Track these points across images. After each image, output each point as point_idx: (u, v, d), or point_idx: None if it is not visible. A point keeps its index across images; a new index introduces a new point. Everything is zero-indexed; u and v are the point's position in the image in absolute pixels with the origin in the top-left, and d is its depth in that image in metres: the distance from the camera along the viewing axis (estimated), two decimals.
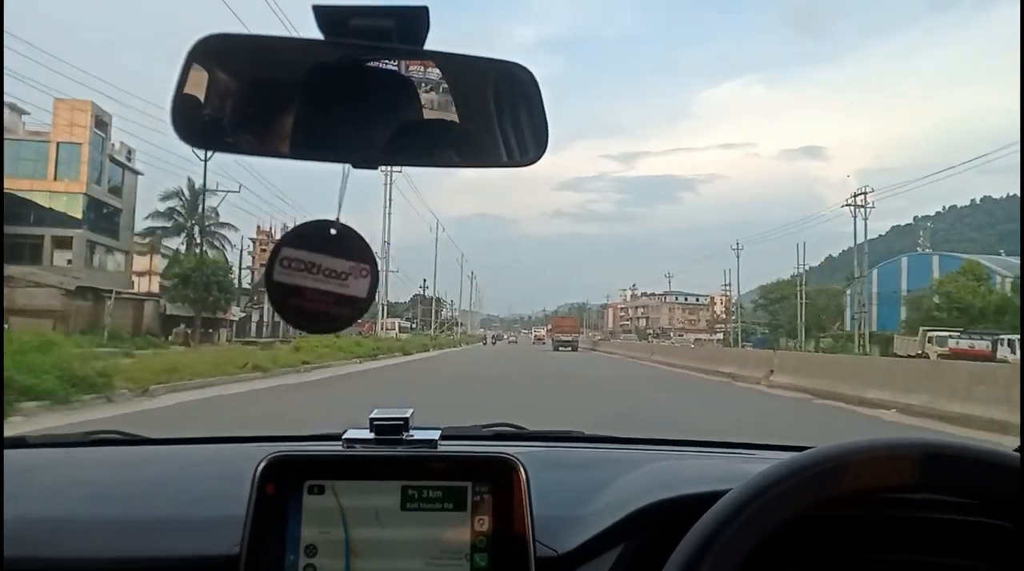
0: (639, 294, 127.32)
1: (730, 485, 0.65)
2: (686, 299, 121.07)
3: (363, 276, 0.71)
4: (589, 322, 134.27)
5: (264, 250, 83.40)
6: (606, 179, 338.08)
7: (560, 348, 48.90)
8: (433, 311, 75.71)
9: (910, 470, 0.62)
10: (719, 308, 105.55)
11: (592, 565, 0.83)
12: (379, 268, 0.74)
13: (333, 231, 0.71)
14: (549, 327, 76.85)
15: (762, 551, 0.61)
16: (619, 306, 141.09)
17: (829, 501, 0.62)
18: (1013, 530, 0.77)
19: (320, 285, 0.70)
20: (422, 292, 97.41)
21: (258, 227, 72.72)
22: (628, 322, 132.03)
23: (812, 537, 0.82)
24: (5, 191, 28.47)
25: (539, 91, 0.69)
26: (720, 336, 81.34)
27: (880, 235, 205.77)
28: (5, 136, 30.74)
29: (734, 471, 0.91)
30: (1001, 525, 0.80)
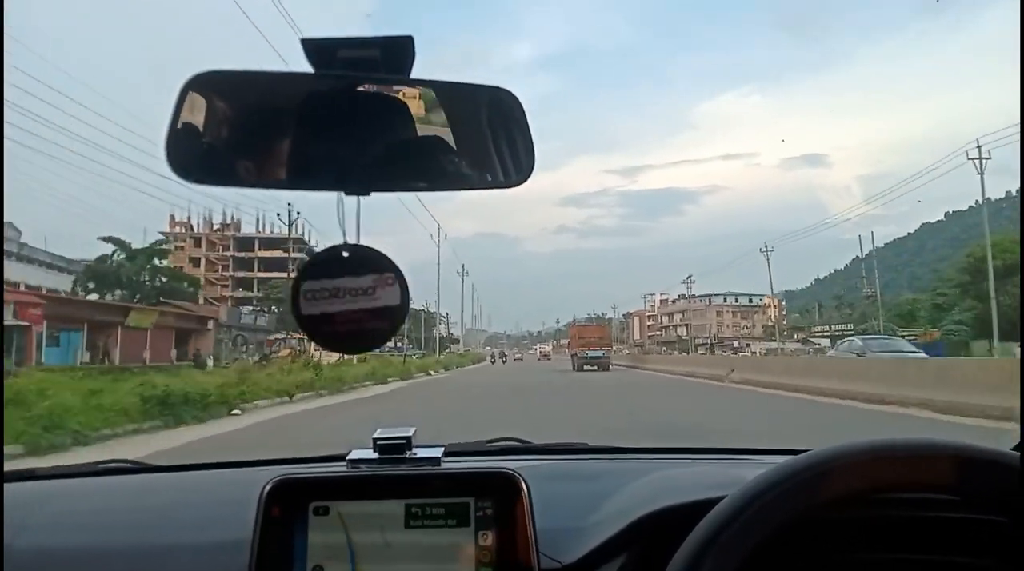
0: (684, 297, 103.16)
1: (728, 491, 0.66)
2: (736, 300, 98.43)
3: (390, 284, 0.71)
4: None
5: (182, 248, 63.29)
6: (609, 194, 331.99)
7: (585, 367, 35.86)
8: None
9: (904, 470, 0.63)
10: (772, 312, 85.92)
11: None
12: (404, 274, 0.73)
13: (346, 254, 0.71)
14: (566, 341, 60.33)
15: (760, 555, 0.62)
16: (646, 314, 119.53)
17: (825, 503, 0.62)
18: (1009, 526, 0.77)
19: (351, 306, 0.70)
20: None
21: (172, 217, 63.87)
22: (660, 332, 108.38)
23: (810, 540, 0.82)
24: None
25: (524, 113, 0.71)
26: (819, 344, 60.83)
27: (908, 233, 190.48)
28: None
29: (732, 477, 0.91)
30: (997, 521, 0.79)
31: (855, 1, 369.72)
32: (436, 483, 0.81)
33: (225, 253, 67.16)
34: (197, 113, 0.66)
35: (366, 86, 0.68)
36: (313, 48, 0.64)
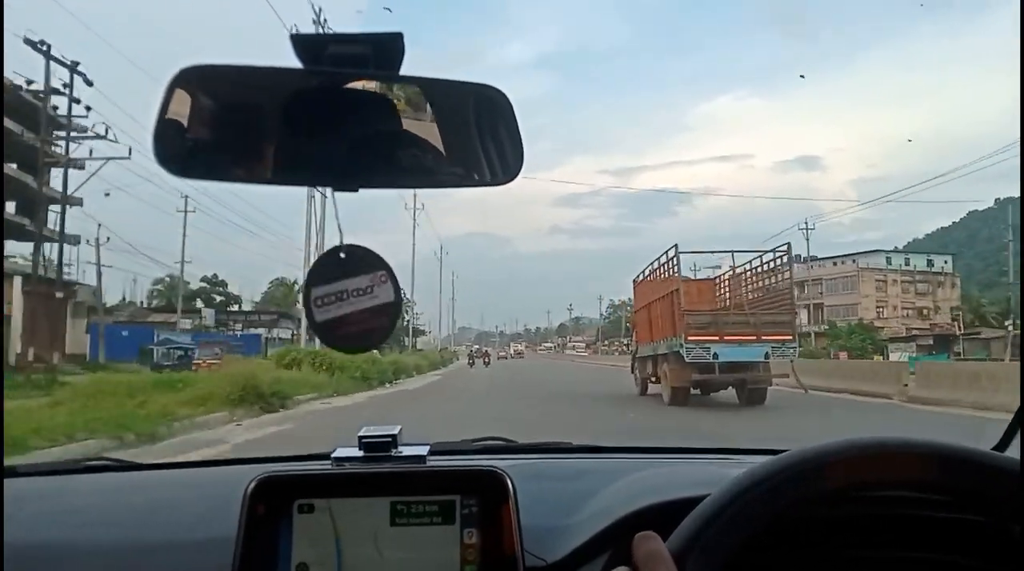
0: (802, 258, 54.84)
1: (711, 489, 0.66)
2: (908, 262, 55.42)
3: (383, 282, 0.74)
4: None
5: None
6: (603, 194, 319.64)
7: (698, 389, 13.29)
8: None
9: (884, 468, 0.64)
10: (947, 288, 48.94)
11: None
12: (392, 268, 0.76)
13: (343, 255, 0.74)
14: (562, 339, 51.38)
15: (745, 552, 0.62)
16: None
17: (808, 500, 0.63)
18: (991, 526, 0.79)
19: (355, 306, 0.74)
20: None
21: None
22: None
23: (794, 537, 0.83)
24: None
25: (513, 111, 0.71)
26: None
27: (953, 222, 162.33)
28: None
29: (715, 475, 0.92)
30: (977, 519, 0.81)
31: (852, 4, 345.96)
32: (421, 481, 0.81)
33: None
34: (185, 107, 0.66)
35: (355, 82, 0.68)
36: (303, 44, 0.64)
